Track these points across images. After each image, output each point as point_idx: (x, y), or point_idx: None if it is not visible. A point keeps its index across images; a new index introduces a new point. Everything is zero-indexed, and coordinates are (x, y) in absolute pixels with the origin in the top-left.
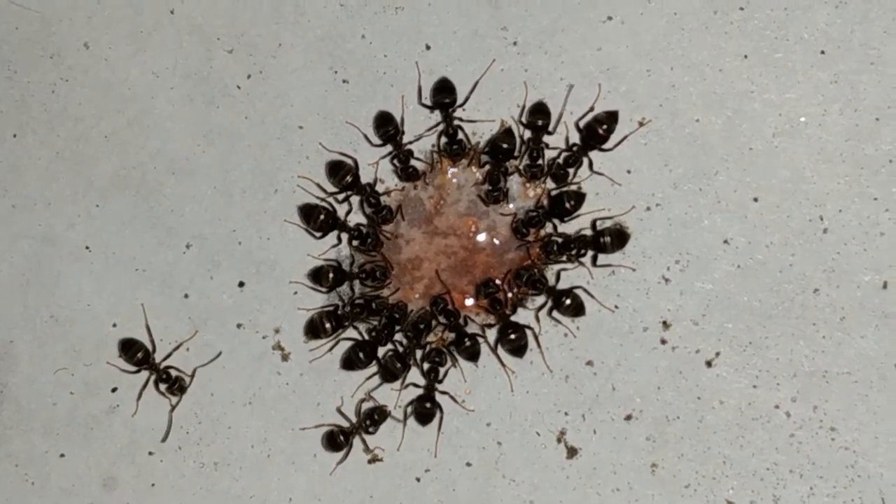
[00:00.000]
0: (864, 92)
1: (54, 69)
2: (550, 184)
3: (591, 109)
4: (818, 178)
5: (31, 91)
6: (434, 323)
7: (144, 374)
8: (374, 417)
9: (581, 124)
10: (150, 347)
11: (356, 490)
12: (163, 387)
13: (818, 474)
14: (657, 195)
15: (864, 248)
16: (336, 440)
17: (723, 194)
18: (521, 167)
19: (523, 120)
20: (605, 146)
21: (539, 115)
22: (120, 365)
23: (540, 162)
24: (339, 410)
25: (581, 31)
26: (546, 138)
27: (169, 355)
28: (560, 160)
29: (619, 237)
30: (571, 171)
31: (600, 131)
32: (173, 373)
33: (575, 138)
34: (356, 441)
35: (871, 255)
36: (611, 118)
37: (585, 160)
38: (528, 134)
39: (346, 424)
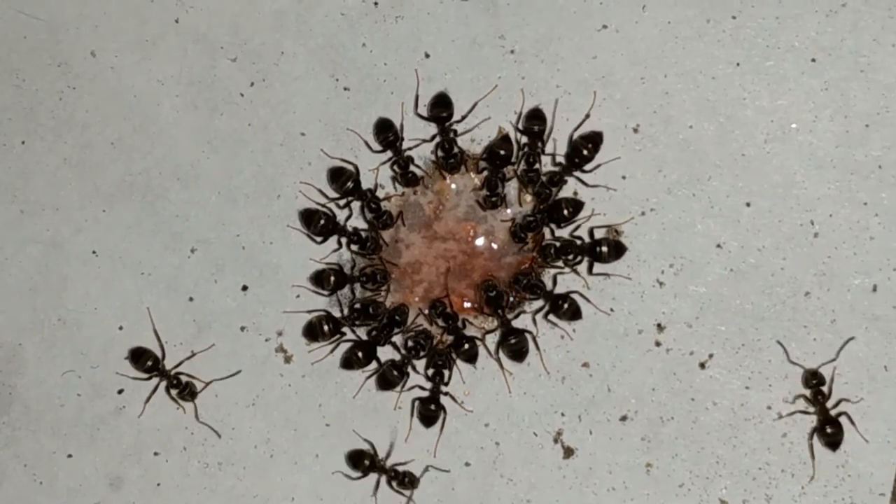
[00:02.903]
0: (854, 99)
1: (62, 77)
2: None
3: (587, 116)
4: (809, 183)
5: (39, 99)
6: (433, 340)
7: (155, 380)
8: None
9: (576, 135)
10: (159, 354)
11: (357, 490)
12: (174, 392)
13: (809, 474)
14: (651, 200)
15: (854, 251)
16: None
17: (716, 199)
18: (518, 172)
19: (520, 126)
20: (587, 167)
21: (535, 121)
22: (130, 374)
23: (537, 167)
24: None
25: (577, 40)
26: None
27: (180, 363)
28: (544, 179)
29: (616, 248)
30: (555, 190)
31: (584, 152)
32: (184, 378)
33: (563, 153)
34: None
35: (861, 259)
36: (595, 138)
37: (577, 179)
38: (524, 139)
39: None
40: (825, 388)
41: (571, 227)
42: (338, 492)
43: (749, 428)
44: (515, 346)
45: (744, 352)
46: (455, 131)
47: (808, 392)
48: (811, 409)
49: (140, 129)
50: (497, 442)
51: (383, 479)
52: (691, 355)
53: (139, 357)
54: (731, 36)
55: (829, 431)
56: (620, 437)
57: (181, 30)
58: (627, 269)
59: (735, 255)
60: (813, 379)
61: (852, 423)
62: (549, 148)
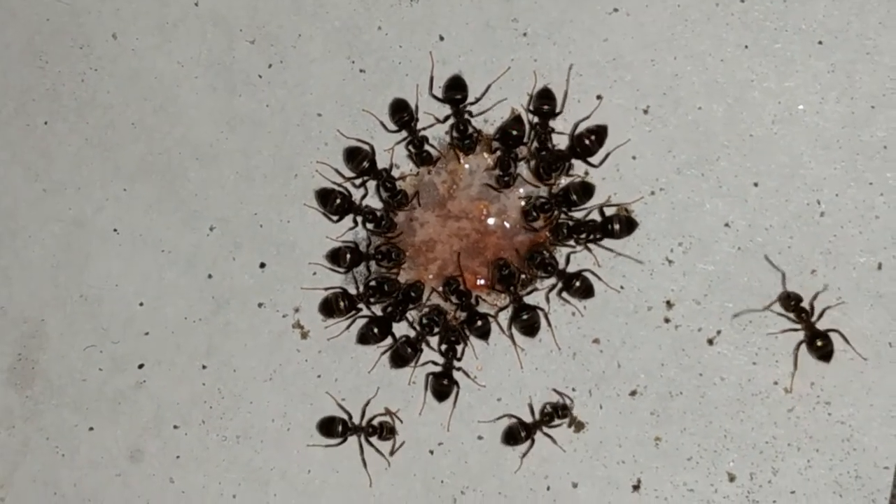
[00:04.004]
0: (861, 81)
1: (84, 59)
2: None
3: (599, 98)
4: (816, 163)
5: (62, 80)
6: (447, 317)
7: (353, 438)
8: (559, 412)
9: (581, 127)
10: (345, 417)
11: (372, 462)
12: (375, 440)
13: (815, 447)
14: (661, 180)
15: (859, 230)
16: (517, 434)
17: (724, 179)
18: (531, 150)
19: (530, 107)
20: (592, 160)
21: (545, 101)
22: (324, 442)
23: (549, 145)
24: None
25: (588, 23)
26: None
27: (373, 419)
28: (544, 164)
29: (627, 224)
30: (554, 175)
31: (587, 142)
32: (376, 422)
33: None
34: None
35: (867, 238)
36: (599, 132)
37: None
38: (535, 119)
39: (528, 419)
40: (805, 305)
41: (584, 210)
42: (353, 464)
43: (756, 403)
44: (527, 321)
45: (751, 328)
46: (470, 112)
47: (791, 315)
48: (798, 326)
49: (160, 110)
50: (509, 416)
51: (363, 439)
52: (699, 332)
53: (330, 426)
54: (739, 19)
55: (820, 344)
56: (630, 412)
57: (201, 13)
58: (637, 248)
59: (743, 233)
60: (791, 301)
61: (845, 340)
62: (561, 127)
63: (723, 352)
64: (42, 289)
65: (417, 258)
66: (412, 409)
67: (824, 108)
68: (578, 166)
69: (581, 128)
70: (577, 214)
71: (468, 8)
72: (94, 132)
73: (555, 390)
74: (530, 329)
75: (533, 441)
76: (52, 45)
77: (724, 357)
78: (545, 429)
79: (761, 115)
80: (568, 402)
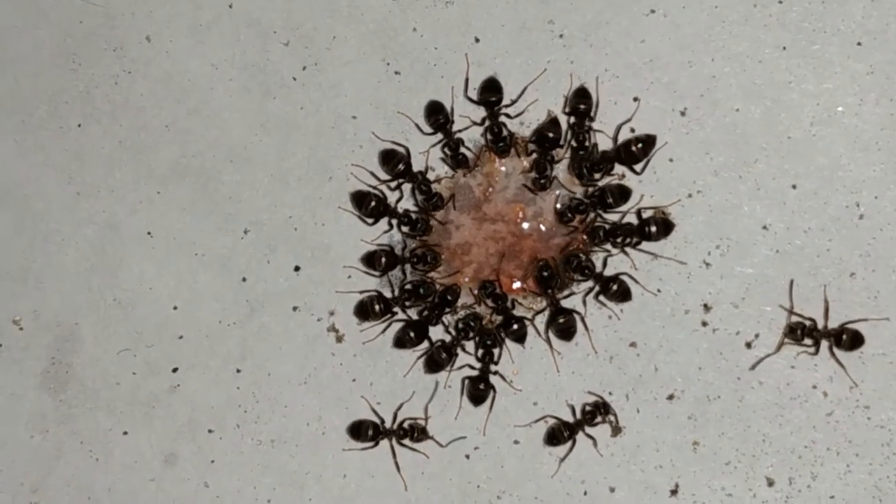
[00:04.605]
0: None
1: (117, 62)
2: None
3: (637, 100)
4: (854, 165)
5: (95, 83)
6: (482, 321)
7: (384, 442)
8: (601, 410)
9: (630, 135)
10: (377, 421)
11: (408, 466)
12: (407, 441)
13: (854, 452)
14: (698, 182)
15: None
16: (560, 434)
17: (762, 181)
18: (570, 151)
19: (566, 108)
20: (636, 167)
21: (581, 100)
22: (359, 446)
23: (587, 144)
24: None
25: (624, 24)
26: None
27: (403, 422)
28: (588, 164)
29: (664, 226)
30: (598, 175)
31: (634, 150)
32: (406, 425)
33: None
34: None
35: None
36: (648, 141)
37: (623, 170)
38: (572, 119)
39: (570, 420)
40: (813, 324)
41: (620, 213)
42: (389, 468)
43: (795, 407)
44: (564, 325)
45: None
46: (507, 115)
47: (809, 341)
48: (811, 345)
49: (194, 113)
50: (546, 420)
51: (395, 442)
52: (737, 335)
53: (359, 429)
54: (777, 20)
55: (846, 338)
56: (667, 416)
57: (234, 15)
58: (674, 251)
59: (781, 236)
60: (798, 329)
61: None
62: (598, 127)
63: (761, 355)
64: (75, 293)
65: (453, 261)
66: (448, 413)
67: (863, 109)
68: (616, 168)
69: (627, 133)
70: (613, 217)
71: (504, 9)
72: (128, 135)
73: (590, 392)
74: (567, 333)
75: (574, 442)
76: (85, 47)
77: (763, 361)
78: (587, 428)
79: (799, 116)
80: (603, 402)
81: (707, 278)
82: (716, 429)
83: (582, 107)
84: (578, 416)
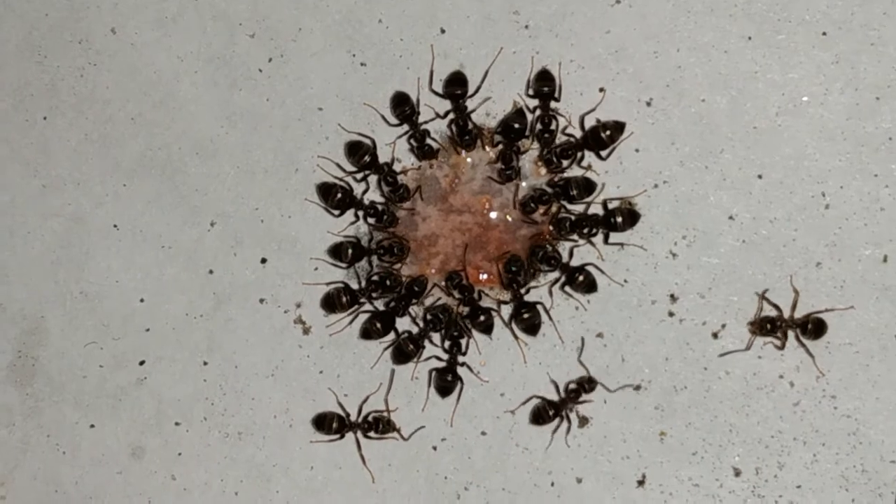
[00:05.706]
0: (865, 72)
1: (83, 54)
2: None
3: (602, 90)
4: (820, 155)
5: (61, 75)
6: (451, 313)
7: (350, 434)
8: (584, 387)
9: (599, 119)
10: (342, 413)
11: (375, 458)
12: (373, 434)
13: (821, 441)
14: (664, 173)
15: (864, 223)
16: (544, 413)
17: (728, 172)
18: (535, 133)
19: (530, 91)
20: (602, 153)
21: (544, 83)
22: (326, 439)
23: (553, 127)
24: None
25: (590, 15)
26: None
27: (368, 415)
28: (557, 150)
29: (630, 216)
30: (566, 162)
31: (602, 136)
32: (371, 419)
33: (579, 131)
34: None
35: (872, 230)
36: (617, 128)
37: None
38: (535, 103)
39: (555, 398)
40: (780, 319)
41: (584, 205)
42: (356, 461)
43: (761, 396)
44: (528, 320)
45: None
46: (470, 109)
47: (778, 333)
48: (780, 338)
49: (160, 105)
50: (512, 411)
51: (360, 435)
52: (704, 325)
53: (322, 422)
54: (742, 10)
55: (811, 327)
56: (634, 407)
57: (200, 7)
58: (641, 241)
59: (747, 226)
60: (767, 324)
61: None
62: (563, 117)
63: (727, 346)
64: (42, 285)
65: (420, 253)
66: (415, 405)
67: (829, 99)
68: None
69: (595, 120)
70: (579, 207)
71: (469, 0)
72: (94, 127)
73: (580, 362)
74: (531, 328)
75: (562, 419)
76: (51, 40)
77: (731, 353)
78: (574, 406)
79: (765, 106)
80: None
81: (673, 268)
82: (683, 419)
83: (546, 89)
84: (563, 394)
